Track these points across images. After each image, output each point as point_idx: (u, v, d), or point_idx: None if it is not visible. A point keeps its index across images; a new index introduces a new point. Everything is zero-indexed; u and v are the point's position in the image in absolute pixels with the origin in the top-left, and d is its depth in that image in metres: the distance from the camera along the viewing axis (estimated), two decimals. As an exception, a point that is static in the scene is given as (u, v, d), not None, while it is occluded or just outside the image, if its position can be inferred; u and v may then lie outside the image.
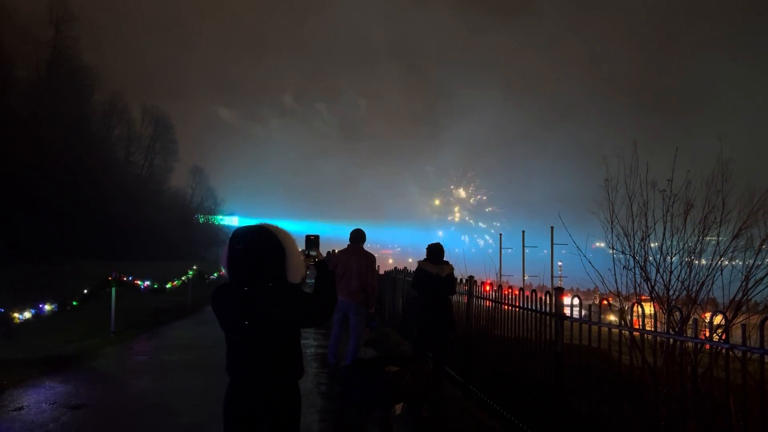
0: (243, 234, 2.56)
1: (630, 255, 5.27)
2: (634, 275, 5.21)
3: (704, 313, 4.68)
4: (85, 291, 10.20)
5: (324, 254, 2.92)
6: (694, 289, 4.88)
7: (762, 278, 4.65)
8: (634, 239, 5.30)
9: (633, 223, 5.35)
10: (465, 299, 7.10)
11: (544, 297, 4.92)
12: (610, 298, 5.01)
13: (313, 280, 2.83)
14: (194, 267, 17.47)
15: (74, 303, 9.77)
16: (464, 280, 7.16)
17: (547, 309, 4.84)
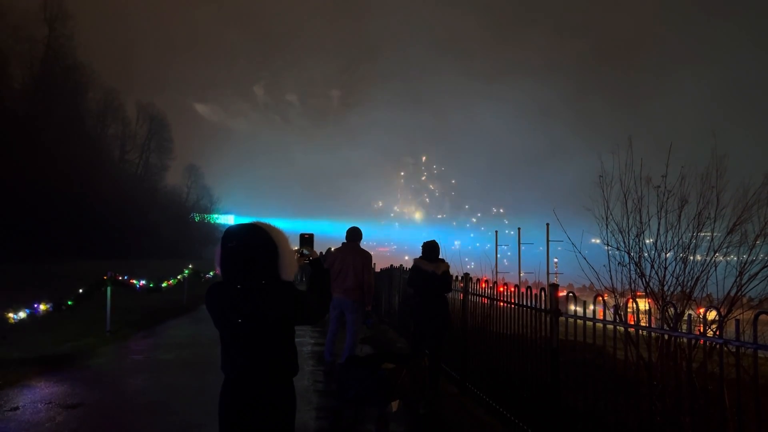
0: (235, 232, 2.55)
1: (625, 251, 5.28)
2: (629, 271, 5.22)
3: (699, 308, 4.70)
4: (81, 290, 10.15)
5: (319, 253, 2.92)
6: (688, 284, 4.90)
7: (756, 274, 4.67)
8: (629, 235, 5.31)
9: (628, 219, 5.36)
10: (461, 296, 7.11)
11: (539, 294, 4.93)
12: (606, 295, 5.02)
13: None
14: (190, 266, 17.39)
15: (69, 302, 9.72)
16: (460, 278, 7.16)
17: (543, 305, 4.85)
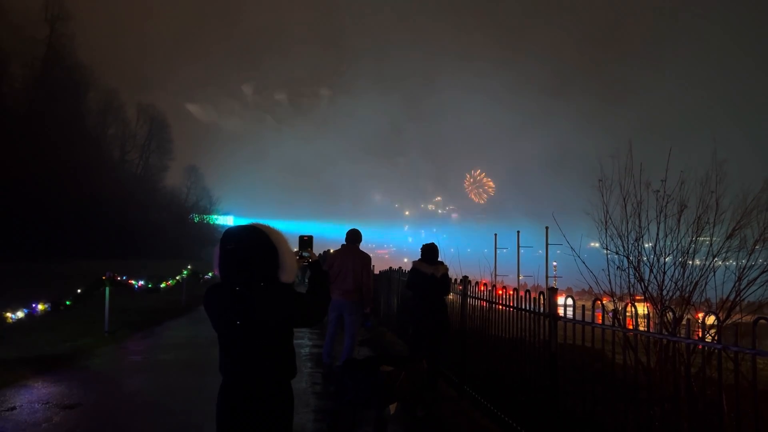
0: (234, 234, 2.55)
1: (624, 255, 5.28)
2: (628, 276, 5.23)
3: (697, 313, 4.70)
4: (79, 290, 10.14)
5: (317, 255, 2.91)
6: (687, 289, 4.90)
7: (755, 279, 4.67)
8: (628, 240, 5.32)
9: (627, 223, 5.37)
10: (460, 299, 7.10)
11: (538, 297, 4.92)
12: (604, 299, 5.02)
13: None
14: (189, 266, 17.39)
15: (68, 302, 9.71)
16: (459, 280, 7.15)
17: (542, 309, 4.85)
